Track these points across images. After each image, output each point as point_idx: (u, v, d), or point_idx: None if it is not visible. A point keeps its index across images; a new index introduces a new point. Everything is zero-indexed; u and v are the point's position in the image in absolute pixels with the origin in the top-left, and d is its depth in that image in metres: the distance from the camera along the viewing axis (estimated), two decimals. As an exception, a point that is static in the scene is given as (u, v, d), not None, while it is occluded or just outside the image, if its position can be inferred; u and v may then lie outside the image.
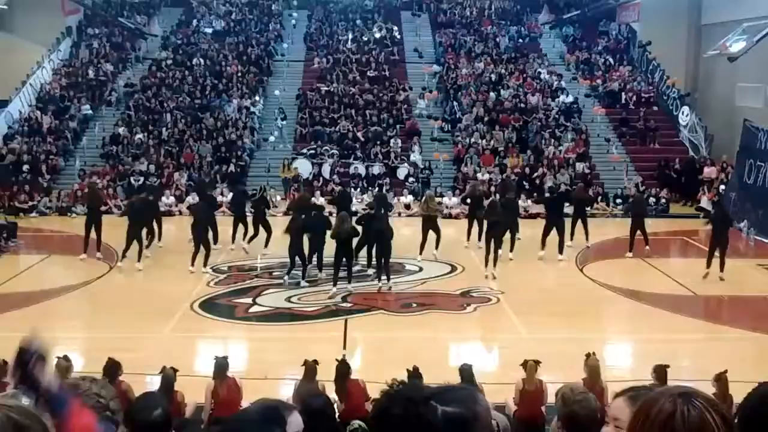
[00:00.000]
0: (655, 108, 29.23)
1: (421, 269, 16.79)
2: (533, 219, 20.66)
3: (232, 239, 18.04)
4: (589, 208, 20.54)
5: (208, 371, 8.66)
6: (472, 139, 26.80)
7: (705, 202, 23.65)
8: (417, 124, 27.98)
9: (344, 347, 11.82)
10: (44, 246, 19.89)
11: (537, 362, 8.50)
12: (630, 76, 30.73)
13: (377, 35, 32.77)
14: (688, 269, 16.79)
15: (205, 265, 16.26)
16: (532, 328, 12.90)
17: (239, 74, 30.01)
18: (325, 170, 25.57)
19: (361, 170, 25.60)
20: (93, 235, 17.23)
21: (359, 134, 27.06)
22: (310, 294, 14.86)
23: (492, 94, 29.05)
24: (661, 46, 30.10)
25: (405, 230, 19.23)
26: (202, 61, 30.84)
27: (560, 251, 17.58)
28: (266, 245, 17.61)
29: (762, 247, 19.72)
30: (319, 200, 21.29)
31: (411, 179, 25.21)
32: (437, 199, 20.44)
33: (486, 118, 27.86)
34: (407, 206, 23.32)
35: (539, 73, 30.63)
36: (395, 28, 33.45)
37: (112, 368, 8.00)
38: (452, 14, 35.09)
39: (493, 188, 23.47)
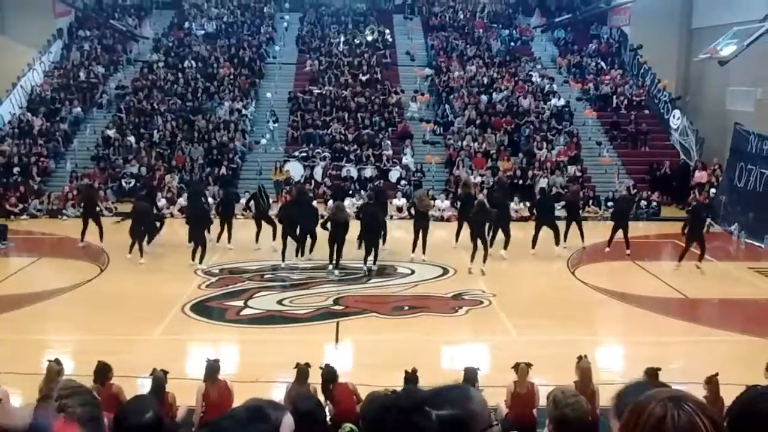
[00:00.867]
0: (647, 111, 29.33)
1: (412, 272, 16.80)
2: (525, 221, 20.68)
3: (217, 239, 18.44)
4: (580, 211, 20.62)
5: (199, 374, 8.63)
6: (464, 142, 26.84)
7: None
8: (409, 127, 28.00)
9: (336, 349, 11.83)
10: (35, 248, 19.80)
11: (529, 365, 8.51)
12: (621, 79, 30.84)
13: (369, 38, 32.78)
14: (680, 272, 16.84)
15: (200, 261, 16.80)
16: (524, 330, 12.91)
17: (231, 77, 29.97)
18: (317, 173, 25.56)
19: (353, 173, 25.60)
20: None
21: (351, 137, 27.06)
22: (302, 297, 14.86)
23: (484, 97, 29.10)
24: (652, 50, 30.20)
25: (397, 232, 19.24)
26: (193, 63, 30.79)
27: (556, 243, 17.95)
28: (274, 238, 17.95)
29: (752, 250, 19.83)
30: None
31: (403, 182, 25.21)
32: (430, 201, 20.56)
33: (478, 121, 27.89)
34: (399, 209, 23.30)
35: (531, 76, 30.69)
36: (387, 30, 33.46)
37: (103, 371, 7.97)
38: (444, 17, 35.14)
39: (486, 191, 23.58)
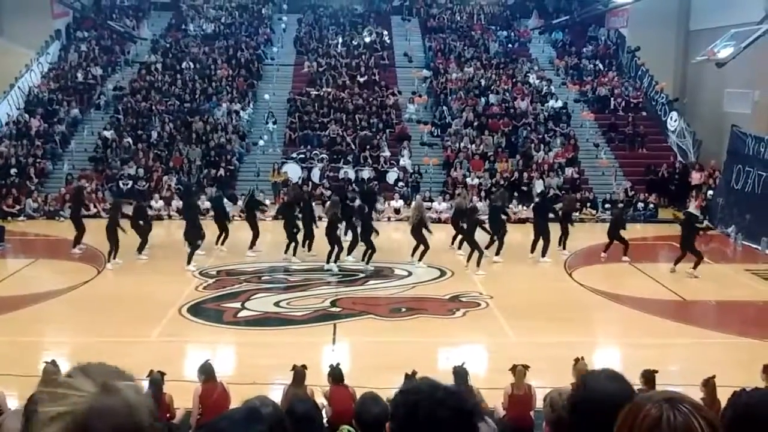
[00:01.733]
0: (644, 113, 29.37)
1: (410, 274, 16.81)
2: (522, 224, 20.70)
3: (216, 241, 18.42)
4: (577, 214, 20.74)
5: (196, 376, 8.62)
6: (462, 144, 26.85)
7: (693, 208, 23.73)
8: (407, 128, 28.01)
9: (333, 351, 11.83)
10: (32, 250, 19.80)
11: (526, 367, 8.52)
12: (619, 81, 30.87)
13: (367, 39, 32.79)
14: (677, 274, 16.85)
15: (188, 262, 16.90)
16: (521, 332, 12.92)
17: (229, 78, 29.98)
18: (315, 174, 25.55)
19: (351, 174, 25.60)
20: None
21: (349, 138, 27.06)
22: (299, 299, 14.86)
23: (481, 99, 29.12)
24: (649, 52, 30.25)
25: (395, 234, 19.23)
26: (191, 64, 30.78)
27: (543, 254, 17.93)
28: (251, 246, 18.20)
29: (749, 252, 19.86)
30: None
31: (401, 184, 25.22)
32: (426, 204, 20.65)
33: (475, 123, 27.91)
34: (397, 210, 23.33)
35: (528, 78, 30.72)
36: (385, 32, 33.49)
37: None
38: (442, 19, 35.18)
39: (483, 193, 23.71)
